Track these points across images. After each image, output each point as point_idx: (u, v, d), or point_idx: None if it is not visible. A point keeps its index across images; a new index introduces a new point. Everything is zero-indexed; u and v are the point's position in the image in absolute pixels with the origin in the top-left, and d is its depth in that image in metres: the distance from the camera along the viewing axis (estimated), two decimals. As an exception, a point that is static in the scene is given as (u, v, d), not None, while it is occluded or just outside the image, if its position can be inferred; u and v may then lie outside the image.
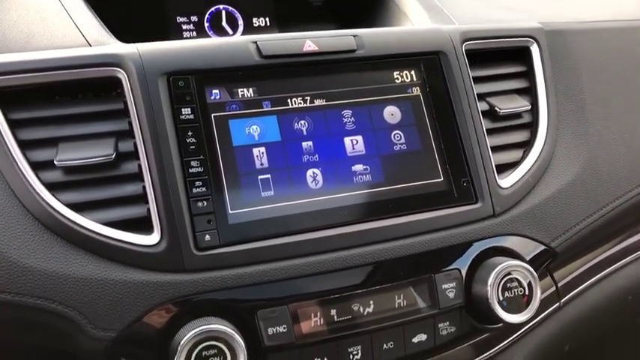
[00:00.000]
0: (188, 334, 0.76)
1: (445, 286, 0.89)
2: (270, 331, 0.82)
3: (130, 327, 0.78)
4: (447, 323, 0.90)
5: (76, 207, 0.81)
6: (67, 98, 0.86)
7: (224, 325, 0.78)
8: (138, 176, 0.83)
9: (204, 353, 0.76)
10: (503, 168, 0.99)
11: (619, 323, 1.15)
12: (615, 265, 1.10)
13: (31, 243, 0.78)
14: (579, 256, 1.08)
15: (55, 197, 0.80)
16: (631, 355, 1.58)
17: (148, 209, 0.82)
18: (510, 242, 0.95)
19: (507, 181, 0.97)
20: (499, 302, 0.89)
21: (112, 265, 0.79)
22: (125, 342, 0.79)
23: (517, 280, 0.90)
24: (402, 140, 0.94)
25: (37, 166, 0.81)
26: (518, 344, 1.01)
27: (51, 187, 0.81)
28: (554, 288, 1.04)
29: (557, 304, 1.04)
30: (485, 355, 0.98)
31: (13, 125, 0.82)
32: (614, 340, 1.32)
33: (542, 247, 0.97)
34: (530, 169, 0.99)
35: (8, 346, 0.81)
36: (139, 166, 0.83)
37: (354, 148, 0.92)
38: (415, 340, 0.89)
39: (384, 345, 0.87)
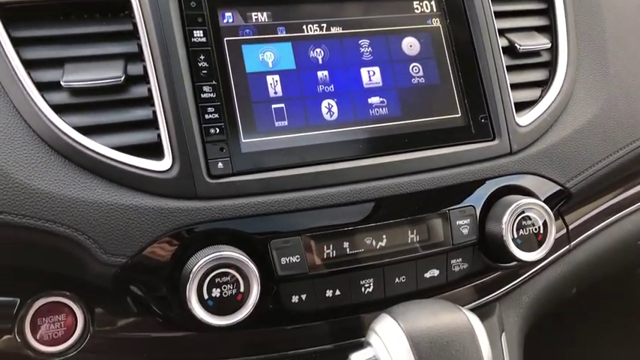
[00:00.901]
0: (201, 261, 0.75)
1: (459, 222, 0.88)
2: (284, 261, 0.80)
3: (140, 253, 0.77)
4: (460, 260, 0.89)
5: (84, 130, 0.78)
6: (73, 18, 0.82)
7: (237, 253, 0.77)
8: (148, 100, 0.80)
9: (217, 280, 0.75)
10: (522, 106, 0.96)
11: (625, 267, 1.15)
12: (626, 210, 1.09)
13: (38, 165, 0.75)
14: (592, 199, 1.06)
15: (62, 120, 0.77)
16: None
17: (159, 135, 0.79)
18: (526, 181, 0.93)
19: (525, 119, 0.94)
20: (513, 240, 0.88)
21: (122, 190, 0.77)
22: (135, 268, 0.77)
23: (532, 218, 0.88)
24: (420, 73, 0.91)
25: (42, 87, 0.78)
26: (527, 285, 1.01)
27: (58, 109, 0.78)
28: (564, 230, 1.04)
29: (567, 246, 1.04)
30: (495, 294, 0.98)
31: (17, 44, 0.79)
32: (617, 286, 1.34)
33: (558, 188, 0.95)
34: (548, 107, 0.96)
35: (17, 270, 0.79)
36: (149, 89, 0.80)
37: (370, 80, 0.89)
38: (427, 275, 0.88)
39: (396, 279, 0.86)
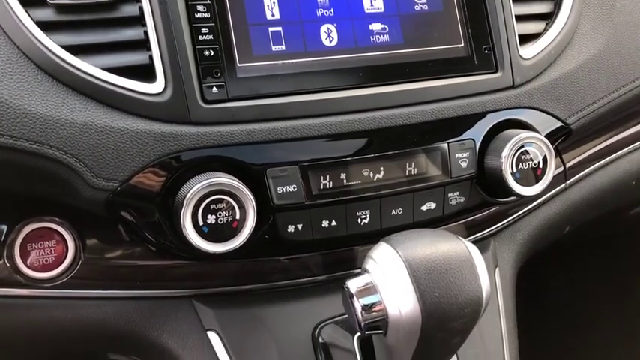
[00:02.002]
0: (195, 187, 0.73)
1: (458, 155, 0.87)
2: (280, 190, 0.79)
3: (132, 178, 0.75)
4: (457, 193, 0.88)
5: (73, 50, 0.74)
6: None
7: (233, 180, 0.75)
8: (139, 20, 0.76)
9: (212, 207, 0.74)
10: (525, 39, 0.93)
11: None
12: (624, 150, 1.08)
13: (24, 84, 0.72)
14: (590, 138, 1.05)
15: (49, 38, 0.73)
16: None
17: (151, 56, 0.76)
18: (527, 115, 0.91)
19: (529, 51, 0.92)
20: (512, 174, 0.86)
21: (113, 112, 0.74)
22: (127, 194, 0.75)
23: (531, 153, 0.87)
24: (424, 0, 0.87)
25: (26, 3, 0.74)
26: (522, 222, 1.01)
27: (44, 26, 0.74)
28: (561, 169, 1.03)
29: (564, 184, 1.03)
30: (490, 229, 0.97)
31: None
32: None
33: (559, 124, 0.94)
34: (552, 41, 0.93)
35: (4, 195, 0.77)
36: (140, 8, 0.76)
37: (372, 5, 0.85)
38: (424, 208, 0.87)
39: (393, 211, 0.85)
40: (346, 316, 0.85)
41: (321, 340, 0.84)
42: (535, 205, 1.01)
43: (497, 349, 0.90)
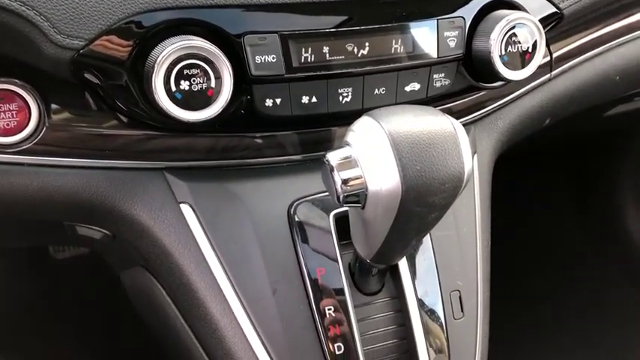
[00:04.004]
0: (168, 48, 0.68)
1: (447, 33, 0.82)
2: (258, 59, 0.74)
3: (99, 37, 0.69)
4: (443, 75, 0.85)
5: None
6: None
7: (208, 44, 0.70)
8: None
9: (186, 72, 0.69)
10: None
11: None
12: (613, 42, 1.05)
13: None
14: (581, 28, 1.01)
15: None
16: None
17: None
18: (520, -4, 0.87)
19: None
20: (500, 57, 0.83)
21: (77, -38, 0.67)
22: (94, 55, 0.70)
23: (521, 35, 0.84)
24: None
25: None
26: (504, 110, 0.99)
27: None
28: (548, 58, 1.00)
29: (548, 75, 1.01)
30: (472, 116, 0.95)
31: None
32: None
33: (552, 9, 0.90)
34: None
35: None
36: None
37: None
38: (408, 88, 0.84)
39: (376, 90, 0.82)
40: (322, 194, 0.85)
41: (297, 218, 0.84)
42: (518, 95, 0.99)
43: (470, 232, 0.91)
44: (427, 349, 0.84)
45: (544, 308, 1.94)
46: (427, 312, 0.85)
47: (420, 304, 0.85)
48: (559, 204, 2.17)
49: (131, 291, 1.04)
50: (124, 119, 0.78)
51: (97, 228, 0.89)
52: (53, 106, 0.76)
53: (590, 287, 1.99)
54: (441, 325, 0.86)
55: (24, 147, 0.76)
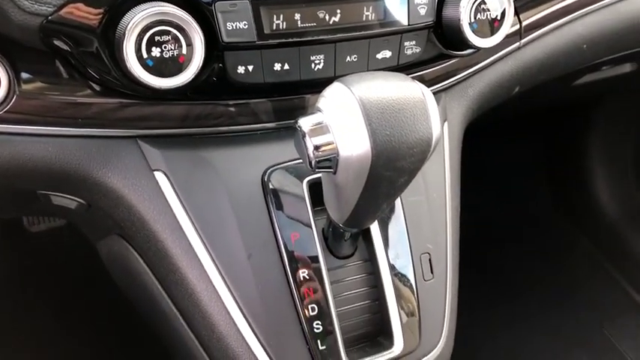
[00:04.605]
0: (138, 15, 0.68)
1: (418, 1, 0.83)
2: (229, 26, 0.74)
3: (68, 3, 0.69)
4: (414, 43, 0.86)
5: None
6: None
7: (179, 10, 0.70)
8: None
9: (157, 39, 0.69)
10: None
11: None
12: (580, 12, 1.07)
13: None
14: (550, -3, 1.04)
15: None
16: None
17: None
18: (490, -36, 0.88)
19: None
20: (470, 24, 0.85)
21: None
22: (63, 20, 0.69)
23: (490, 3, 0.85)
24: None
25: None
26: (474, 78, 1.01)
27: None
28: (517, 26, 1.01)
29: (518, 43, 1.02)
30: (442, 84, 0.97)
31: None
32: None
33: (520, -23, 0.91)
34: None
35: None
36: None
37: None
38: (379, 56, 0.85)
39: (348, 57, 0.83)
40: (296, 162, 0.86)
41: (271, 185, 0.85)
42: (488, 63, 1.01)
43: (440, 197, 0.94)
44: (398, 309, 0.87)
45: (516, 277, 2.00)
46: (398, 274, 0.88)
47: (391, 266, 0.88)
48: (531, 172, 2.23)
49: (107, 259, 1.05)
50: (96, 87, 0.78)
51: (72, 197, 0.89)
52: (23, 74, 0.76)
53: (559, 254, 2.06)
54: (411, 287, 0.89)
55: (-6, 115, 0.76)
